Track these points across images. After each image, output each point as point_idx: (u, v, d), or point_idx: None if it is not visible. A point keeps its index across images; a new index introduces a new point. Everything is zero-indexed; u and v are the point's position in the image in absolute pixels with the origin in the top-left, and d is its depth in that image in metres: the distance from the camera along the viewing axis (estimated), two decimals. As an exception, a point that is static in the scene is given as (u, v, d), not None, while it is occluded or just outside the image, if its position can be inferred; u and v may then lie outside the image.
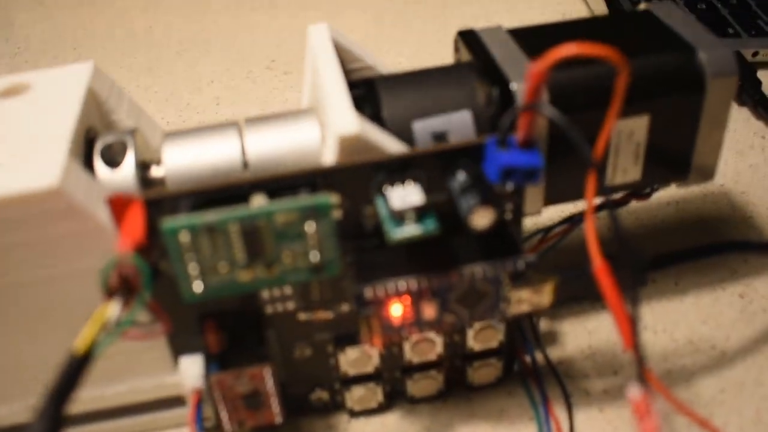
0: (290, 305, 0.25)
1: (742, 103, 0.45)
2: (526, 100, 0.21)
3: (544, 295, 0.24)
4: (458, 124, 0.25)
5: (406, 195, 0.22)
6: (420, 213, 0.22)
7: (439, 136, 0.25)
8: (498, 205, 0.25)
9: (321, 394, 0.27)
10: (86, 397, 0.26)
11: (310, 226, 0.21)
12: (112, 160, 0.25)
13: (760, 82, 0.44)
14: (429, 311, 0.24)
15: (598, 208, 0.31)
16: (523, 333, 0.30)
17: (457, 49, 0.29)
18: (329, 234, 0.21)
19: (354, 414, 0.28)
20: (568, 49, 0.19)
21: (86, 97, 0.26)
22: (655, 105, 0.26)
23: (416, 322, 0.24)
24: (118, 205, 0.21)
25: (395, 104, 0.26)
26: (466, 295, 0.24)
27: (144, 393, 0.27)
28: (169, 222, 0.20)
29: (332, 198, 0.22)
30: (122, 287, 0.20)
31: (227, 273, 0.21)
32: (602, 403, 0.28)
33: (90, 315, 0.20)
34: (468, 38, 0.28)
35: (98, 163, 0.24)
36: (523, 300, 0.24)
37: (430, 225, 0.22)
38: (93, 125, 0.26)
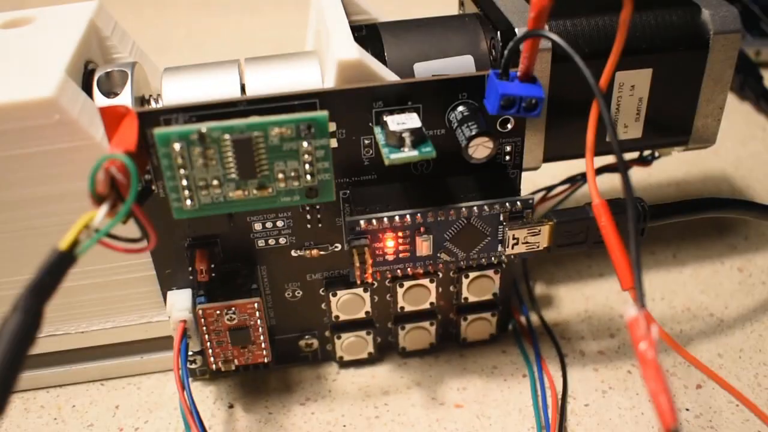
0: (283, 240, 0.24)
1: (744, 97, 0.45)
2: (530, 26, 0.21)
3: (542, 236, 0.24)
4: (460, 68, 0.25)
5: (404, 119, 0.22)
6: (417, 138, 0.21)
7: (440, 80, 0.25)
8: (498, 144, 0.24)
9: (310, 341, 0.27)
10: (71, 332, 0.26)
11: (305, 144, 0.21)
12: (111, 90, 0.25)
13: (761, 77, 0.44)
14: (424, 247, 0.23)
15: (600, 171, 0.31)
16: (519, 294, 0.30)
17: (461, 3, 0.29)
18: (325, 154, 0.21)
19: (343, 364, 0.27)
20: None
21: (88, 29, 0.26)
22: (659, 59, 0.26)
23: (410, 258, 0.23)
24: (112, 115, 0.21)
25: (398, 46, 0.25)
26: (463, 233, 0.23)
27: (130, 332, 0.26)
28: (162, 130, 0.20)
29: (330, 123, 0.21)
30: (111, 194, 0.19)
31: (219, 190, 0.21)
32: (597, 364, 0.27)
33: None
34: (472, -10, 0.28)
35: (96, 91, 0.24)
36: (521, 240, 0.24)
37: (427, 149, 0.21)
38: (93, 58, 0.26)
